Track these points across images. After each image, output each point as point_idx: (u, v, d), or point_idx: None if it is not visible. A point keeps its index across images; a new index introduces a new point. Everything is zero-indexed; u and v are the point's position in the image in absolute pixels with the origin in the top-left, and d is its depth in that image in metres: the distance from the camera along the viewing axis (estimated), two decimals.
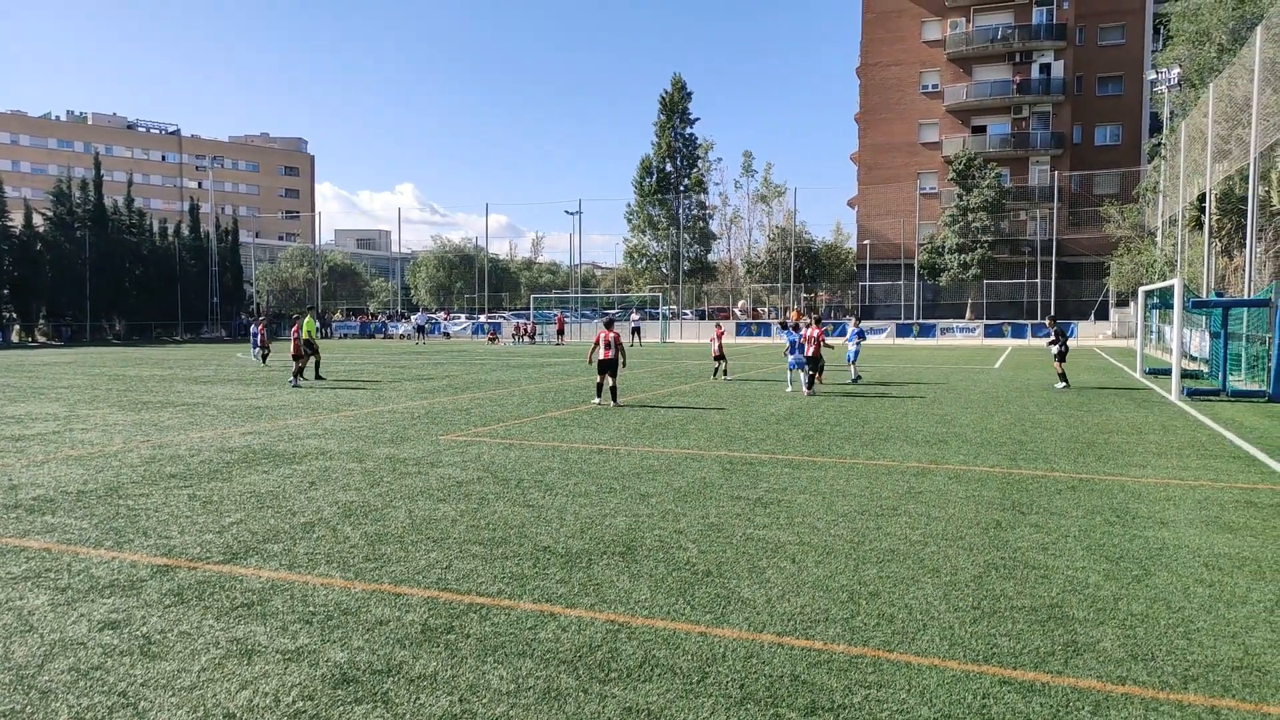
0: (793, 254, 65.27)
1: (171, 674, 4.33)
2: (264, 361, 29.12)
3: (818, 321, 19.80)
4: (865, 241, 64.29)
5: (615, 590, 5.63)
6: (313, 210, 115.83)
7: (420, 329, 52.37)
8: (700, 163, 70.94)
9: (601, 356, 16.53)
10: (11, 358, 35.42)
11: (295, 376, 21.12)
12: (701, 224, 71.12)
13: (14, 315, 54.38)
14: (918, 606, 5.32)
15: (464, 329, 63.43)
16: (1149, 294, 29.55)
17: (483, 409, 15.99)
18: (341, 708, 3.99)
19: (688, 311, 67.44)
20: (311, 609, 5.27)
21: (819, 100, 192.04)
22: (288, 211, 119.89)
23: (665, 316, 57.25)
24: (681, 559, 6.33)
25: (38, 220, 54.55)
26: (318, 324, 22.12)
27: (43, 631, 4.87)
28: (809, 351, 18.90)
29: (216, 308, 61.44)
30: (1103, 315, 53.79)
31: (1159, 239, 41.92)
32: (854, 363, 22.29)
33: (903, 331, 51.51)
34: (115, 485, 8.88)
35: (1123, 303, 50.84)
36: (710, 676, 4.33)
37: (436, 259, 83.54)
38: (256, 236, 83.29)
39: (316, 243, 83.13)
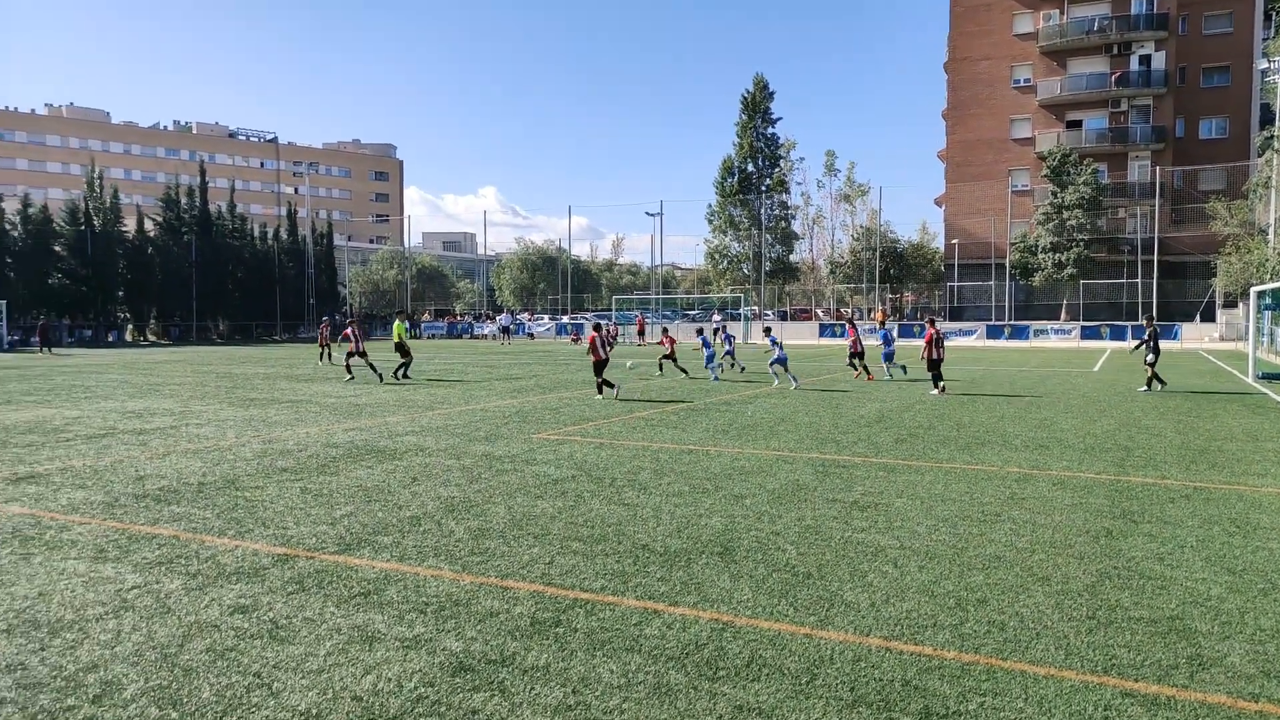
0: (877, 254, 64.16)
1: (300, 657, 4.55)
2: (321, 360, 29.90)
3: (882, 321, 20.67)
4: (953, 241, 62.69)
5: (717, 590, 5.67)
6: (401, 214, 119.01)
7: (505, 330, 53.29)
8: (782, 162, 70.34)
9: (595, 359, 17.95)
10: (127, 356, 37.46)
11: (348, 370, 22.96)
12: (783, 224, 70.49)
13: (127, 315, 57.49)
14: (1029, 615, 5.21)
15: (547, 330, 64.32)
16: (1261, 294, 28.05)
17: (571, 408, 16.21)
18: (460, 695, 4.13)
19: (769, 312, 66.98)
20: (424, 599, 5.46)
21: (904, 97, 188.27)
22: (378, 215, 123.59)
23: (746, 318, 56.95)
24: (781, 560, 6.33)
25: (149, 226, 57.54)
26: (407, 326, 23.27)
27: (180, 614, 5.18)
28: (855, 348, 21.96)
29: (313, 309, 63.66)
30: (1209, 317, 51.23)
31: (1270, 237, 39.74)
32: (890, 362, 23.43)
33: (993, 333, 50.07)
34: (232, 478, 9.34)
35: (1230, 304, 48.37)
36: (819, 678, 4.33)
37: (520, 261, 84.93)
38: (349, 240, 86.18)
39: (406, 245, 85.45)
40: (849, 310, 69.91)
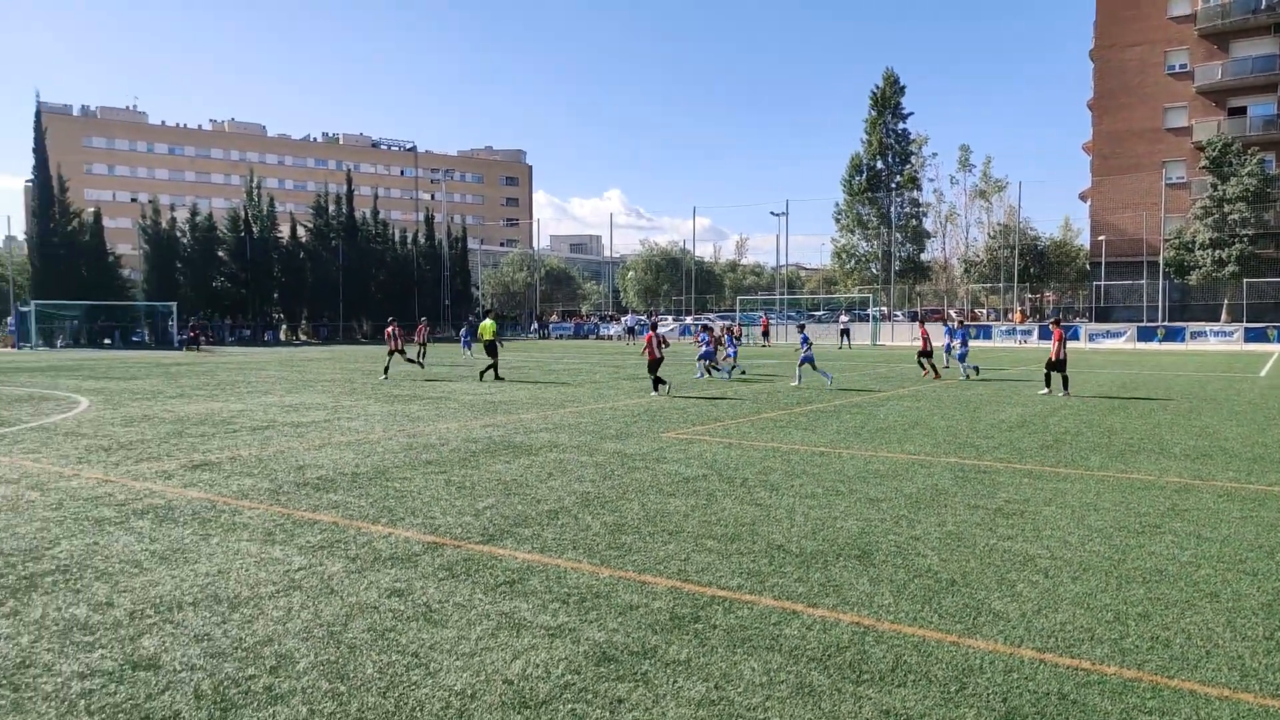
0: (1016, 252, 61.34)
1: (453, 640, 4.77)
2: (404, 359, 30.73)
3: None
4: (1100, 238, 59.22)
5: (856, 593, 5.59)
6: (530, 218, 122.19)
7: (630, 330, 53.92)
8: (913, 159, 68.33)
9: (650, 358, 18.60)
10: (282, 354, 40.03)
11: (392, 364, 23.79)
12: (914, 222, 68.46)
13: (281, 316, 61.39)
14: (1197, 632, 4.90)
15: (671, 330, 64.64)
16: None
17: (699, 408, 16.26)
18: (606, 684, 4.24)
19: (899, 313, 65.13)
20: (566, 590, 5.62)
21: (1045, 88, 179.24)
22: (508, 219, 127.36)
23: (875, 318, 55.58)
24: (922, 566, 6.17)
25: (300, 232, 61.27)
26: (497, 326, 23.10)
27: (342, 595, 5.52)
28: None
29: (448, 310, 66.22)
30: None
31: None
32: (962, 361, 23.76)
33: (1145, 335, 47.00)
34: (382, 469, 9.86)
35: None
36: (968, 687, 4.22)
37: (644, 262, 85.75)
38: (481, 243, 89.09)
39: (535, 248, 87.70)
40: (979, 310, 67.13)
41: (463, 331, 34.52)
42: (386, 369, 24.16)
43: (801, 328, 24.46)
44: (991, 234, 67.95)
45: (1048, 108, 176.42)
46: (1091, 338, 47.29)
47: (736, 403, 17.38)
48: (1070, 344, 26.79)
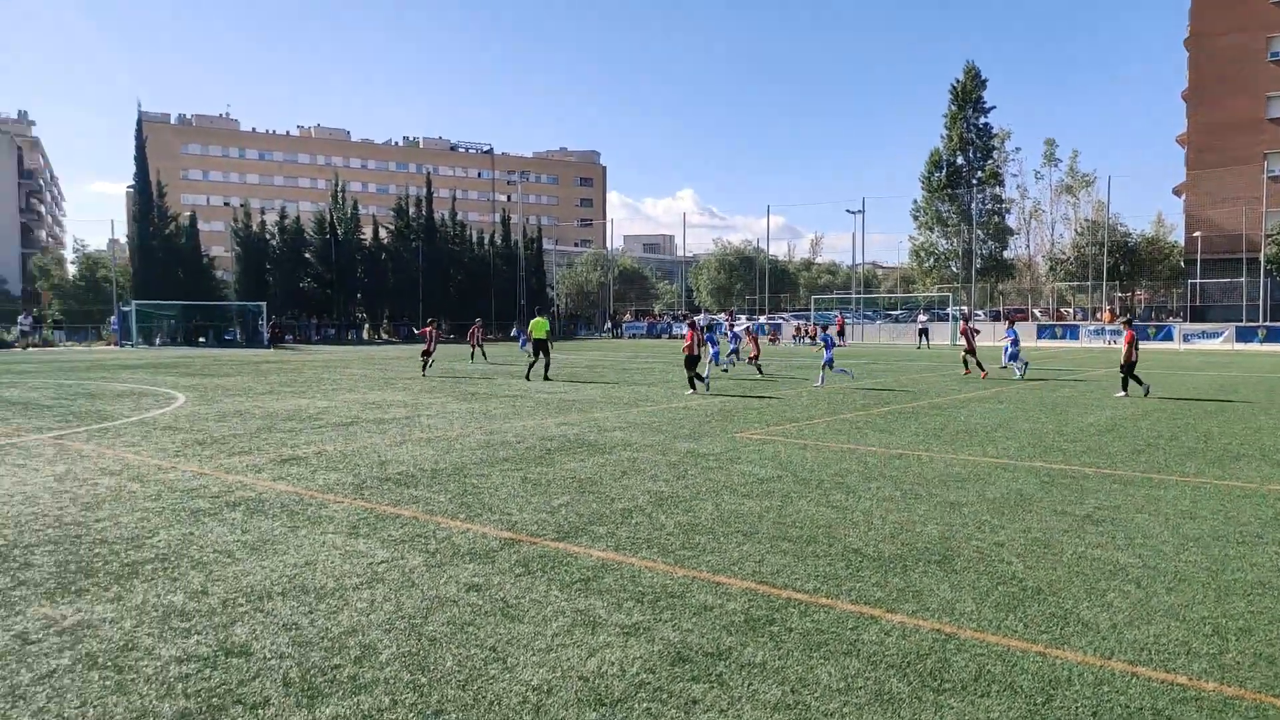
0: (1105, 249, 59.06)
1: (529, 636, 4.83)
2: (472, 360, 31.73)
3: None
4: (1195, 234, 56.55)
5: (936, 599, 5.46)
6: (604, 218, 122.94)
7: (746, 331, 53.78)
8: (995, 154, 66.33)
9: (688, 354, 18.95)
10: (365, 352, 41.17)
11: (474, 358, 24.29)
12: (996, 219, 66.49)
13: (364, 315, 63.14)
14: None
15: (743, 327, 64.29)
16: None
17: (774, 409, 16.12)
18: (680, 684, 4.23)
19: (980, 312, 63.39)
20: (640, 589, 5.64)
21: (1136, 79, 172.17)
22: (582, 220, 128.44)
23: (955, 318, 54.21)
24: (1006, 573, 6.00)
25: (382, 234, 62.91)
26: (549, 325, 23.01)
27: (423, 588, 5.64)
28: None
29: (523, 310, 67.11)
30: None
31: None
32: (1014, 362, 23.62)
33: (1244, 335, 44.72)
34: (460, 465, 10.05)
35: None
36: (1056, 699, 4.08)
37: (717, 261, 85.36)
38: (556, 244, 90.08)
39: (608, 248, 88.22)
40: (1065, 310, 64.90)
41: (515, 330, 35.37)
42: (426, 366, 25.18)
43: (824, 328, 24.64)
44: (1079, 230, 65.54)
45: (1139, 99, 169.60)
46: (1186, 338, 45.21)
47: (811, 404, 17.17)
48: (1163, 345, 26.04)
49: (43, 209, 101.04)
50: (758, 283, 75.14)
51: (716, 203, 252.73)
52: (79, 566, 6.04)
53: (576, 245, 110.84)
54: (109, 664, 4.39)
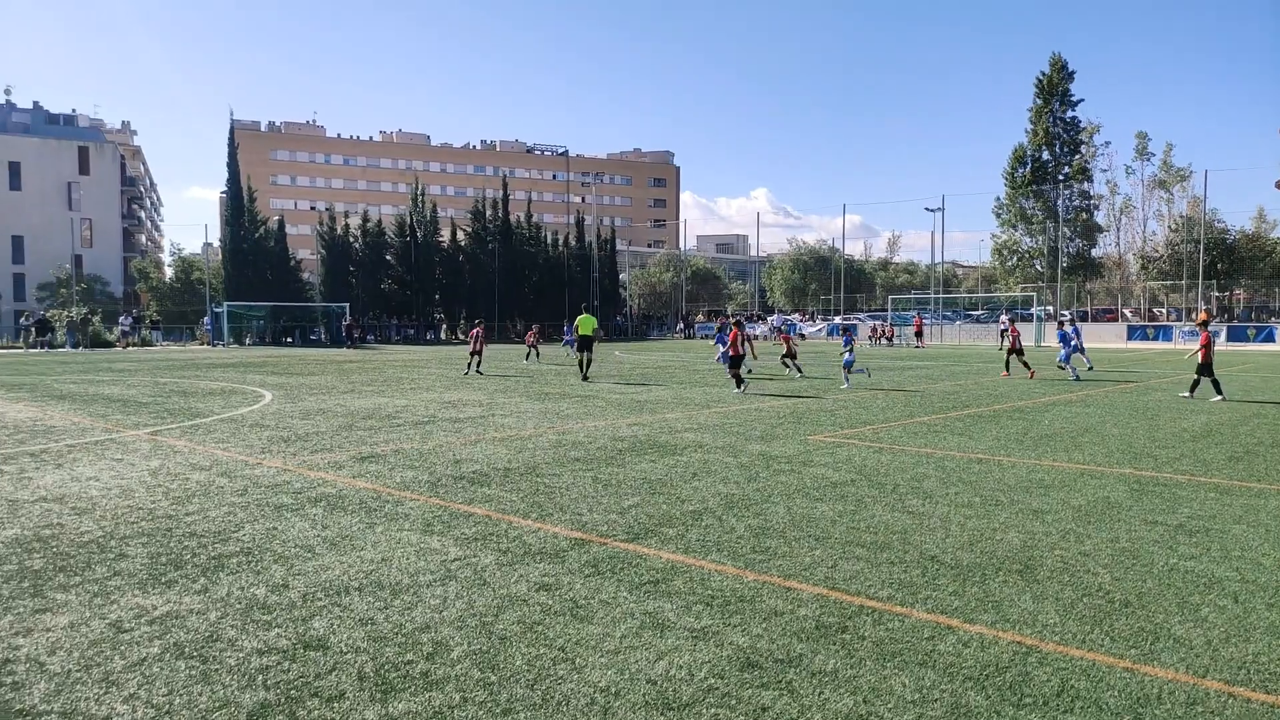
0: (1201, 246, 56.42)
1: (598, 637, 4.84)
2: (527, 359, 32.56)
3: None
4: None
5: (1017, 610, 5.28)
6: (677, 218, 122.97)
7: (777, 330, 53.23)
8: (1084, 148, 64.16)
9: (733, 353, 19.37)
10: (443, 352, 42.03)
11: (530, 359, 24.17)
12: (1084, 216, 64.24)
13: (443, 316, 64.46)
14: None
15: (819, 330, 63.47)
16: None
17: (848, 411, 15.86)
18: (750, 690, 4.18)
19: (1065, 312, 61.22)
20: (710, 592, 5.59)
21: (1233, 68, 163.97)
22: (655, 220, 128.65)
23: (1040, 318, 52.51)
24: (1091, 584, 5.76)
25: (460, 236, 64.12)
26: (595, 322, 23.22)
27: (494, 587, 5.71)
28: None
29: (596, 310, 67.58)
30: None
31: None
32: (1066, 364, 23.76)
33: None
34: (533, 465, 10.15)
35: None
36: (1144, 718, 3.89)
37: (791, 261, 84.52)
38: (629, 244, 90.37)
39: (681, 249, 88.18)
40: (1158, 310, 62.22)
41: (566, 330, 35.87)
42: (474, 366, 25.62)
43: (845, 330, 24.60)
44: (1173, 227, 62.82)
45: (1237, 89, 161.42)
46: None
47: (888, 406, 16.84)
48: (1264, 346, 25.30)
49: (143, 214, 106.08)
50: (832, 283, 74.09)
51: (791, 201, 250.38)
52: (169, 559, 6.30)
53: (649, 246, 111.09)
54: (195, 654, 4.56)
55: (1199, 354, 17.80)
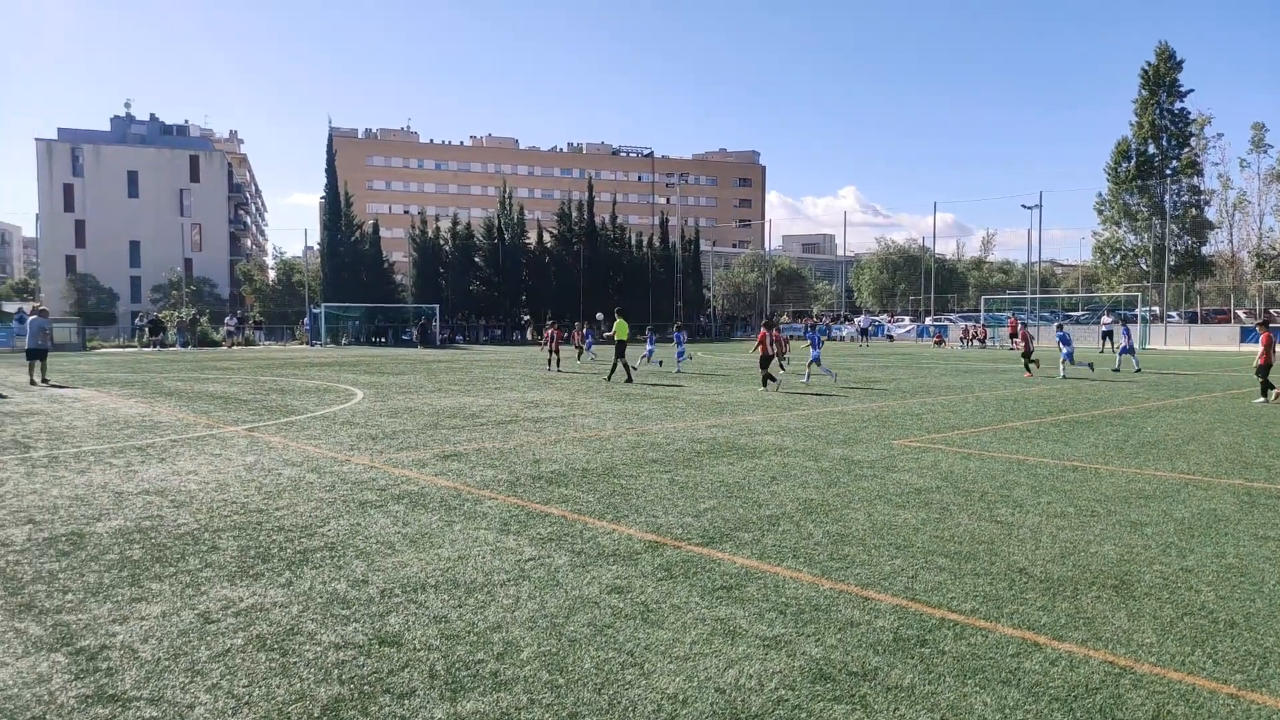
0: None
1: (668, 642, 4.79)
2: (580, 359, 33.02)
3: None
4: None
5: (1111, 628, 5.00)
6: (762, 218, 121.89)
7: (864, 331, 52.26)
8: (1193, 141, 60.79)
9: (762, 353, 20.06)
10: (528, 353, 42.63)
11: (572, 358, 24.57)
12: (1194, 212, 60.93)
13: (529, 318, 65.44)
14: None
15: (908, 332, 61.99)
16: None
17: (935, 415, 15.41)
18: (821, 704, 4.06)
19: (1174, 314, 58.25)
20: (784, 600, 5.48)
21: None
22: (740, 220, 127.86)
23: (1145, 319, 50.08)
24: (1194, 603, 5.43)
25: (545, 238, 64.97)
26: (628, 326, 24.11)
27: (566, 588, 5.72)
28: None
29: (679, 311, 67.54)
30: None
31: None
32: (1069, 361, 24.52)
33: None
34: (610, 466, 10.17)
35: None
36: None
37: (880, 261, 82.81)
38: (714, 245, 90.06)
39: (766, 249, 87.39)
40: (1276, 310, 58.45)
41: (586, 332, 35.87)
42: (554, 364, 27.09)
43: (812, 327, 24.64)
44: None
45: None
46: None
47: (978, 410, 16.29)
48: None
49: (248, 219, 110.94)
50: (922, 283, 72.25)
51: (881, 200, 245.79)
52: (258, 552, 6.52)
53: (734, 246, 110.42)
54: (276, 646, 4.70)
55: (1261, 355, 17.53)
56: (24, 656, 4.54)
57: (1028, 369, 24.77)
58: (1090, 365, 25.84)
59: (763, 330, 20.56)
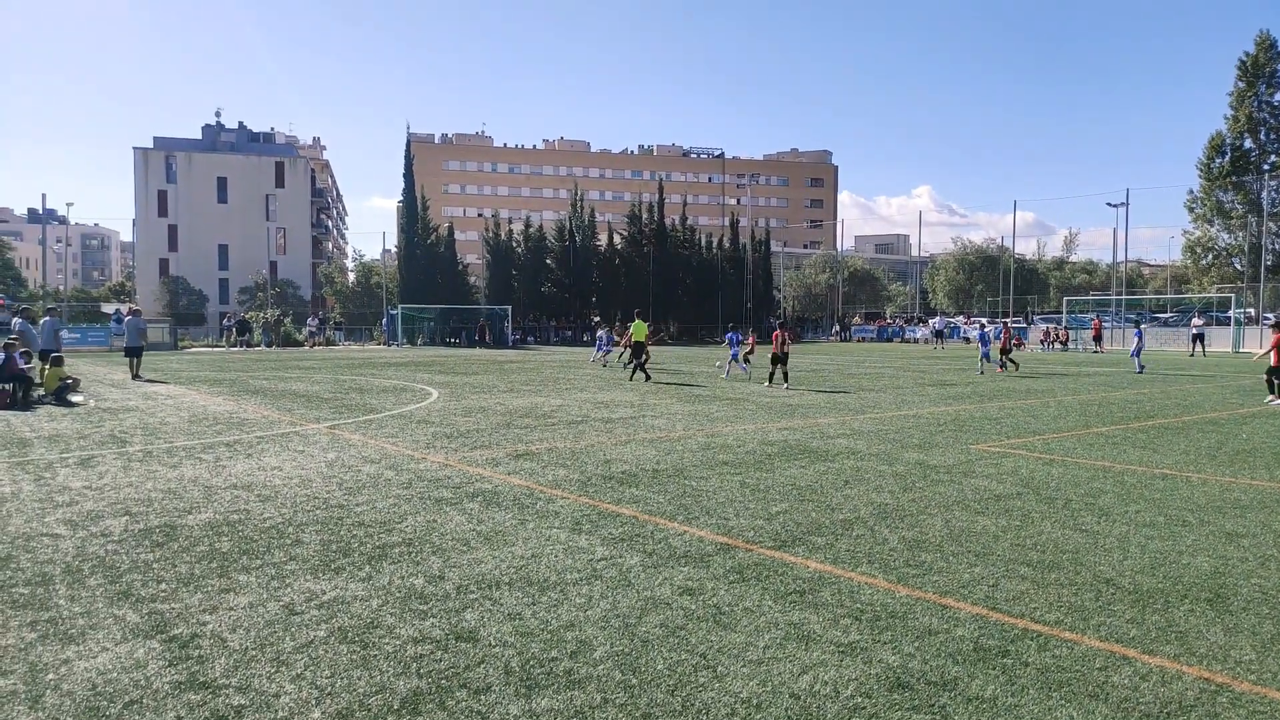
0: None
1: (741, 646, 4.76)
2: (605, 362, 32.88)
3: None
4: None
5: (1205, 643, 4.79)
6: (834, 218, 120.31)
7: (939, 334, 51.09)
8: None
9: (774, 351, 21.80)
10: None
11: (632, 369, 23.84)
12: None
13: (599, 319, 65.86)
14: None
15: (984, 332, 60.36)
16: None
17: (1014, 419, 14.98)
18: (899, 713, 3.98)
19: (1269, 315, 55.43)
20: (859, 606, 5.39)
21: None
22: (812, 221, 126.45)
23: (1239, 322, 47.82)
24: None
25: (616, 240, 65.28)
26: (649, 327, 24.65)
27: (638, 588, 5.73)
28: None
29: (749, 312, 67.13)
30: None
31: None
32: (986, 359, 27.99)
33: None
34: (681, 467, 10.16)
35: None
36: None
37: (956, 261, 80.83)
38: (784, 245, 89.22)
39: (838, 249, 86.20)
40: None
41: (601, 334, 35.67)
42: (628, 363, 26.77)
43: (732, 326, 27.02)
44: None
45: None
46: None
47: (1060, 414, 15.78)
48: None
49: (329, 223, 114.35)
50: (1000, 283, 70.31)
51: (957, 199, 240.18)
52: (339, 546, 6.71)
53: (805, 247, 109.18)
54: (356, 639, 4.82)
55: (1274, 357, 17.70)
56: (122, 643, 4.75)
57: (1002, 365, 27.07)
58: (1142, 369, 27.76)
59: (777, 331, 22.35)
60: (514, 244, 62.10)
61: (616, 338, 33.56)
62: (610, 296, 63.96)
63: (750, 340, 28.80)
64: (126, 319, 26.20)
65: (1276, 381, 17.81)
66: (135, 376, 23.79)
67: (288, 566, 6.17)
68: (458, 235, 64.11)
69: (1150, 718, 3.93)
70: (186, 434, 13.02)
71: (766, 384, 21.62)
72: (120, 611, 5.24)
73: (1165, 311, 60.33)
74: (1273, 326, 18.65)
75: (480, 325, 53.30)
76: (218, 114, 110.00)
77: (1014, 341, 28.87)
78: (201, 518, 7.63)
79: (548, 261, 62.92)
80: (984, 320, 50.85)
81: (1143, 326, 32.92)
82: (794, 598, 5.54)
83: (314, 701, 4.05)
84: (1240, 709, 4.01)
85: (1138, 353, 28.70)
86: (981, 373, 26.71)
